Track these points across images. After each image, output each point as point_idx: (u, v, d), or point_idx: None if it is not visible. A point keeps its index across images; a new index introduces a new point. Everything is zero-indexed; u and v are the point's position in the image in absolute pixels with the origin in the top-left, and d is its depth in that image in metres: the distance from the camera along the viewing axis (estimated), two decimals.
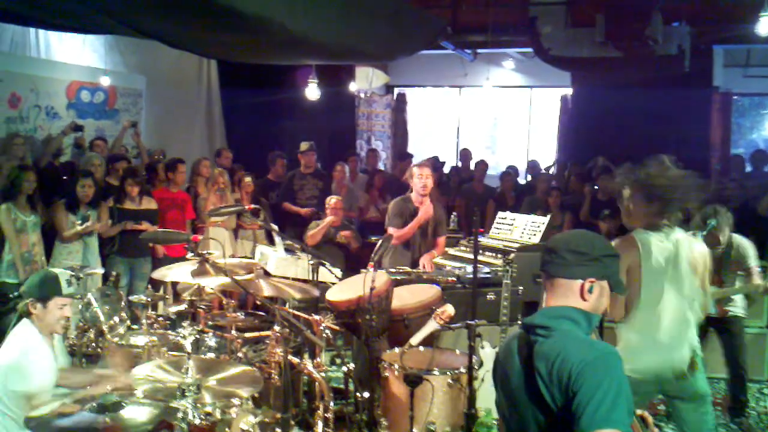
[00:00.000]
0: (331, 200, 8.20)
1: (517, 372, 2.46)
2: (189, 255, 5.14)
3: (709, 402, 4.31)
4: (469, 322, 4.34)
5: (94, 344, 4.89)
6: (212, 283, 4.63)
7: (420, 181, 6.82)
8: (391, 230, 6.77)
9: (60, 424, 3.19)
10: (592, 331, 2.50)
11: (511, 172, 11.36)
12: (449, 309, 4.72)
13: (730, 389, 6.39)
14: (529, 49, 12.16)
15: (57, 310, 4.16)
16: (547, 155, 14.07)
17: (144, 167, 8.81)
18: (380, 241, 5.19)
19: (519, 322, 5.94)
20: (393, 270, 6.37)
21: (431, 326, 4.69)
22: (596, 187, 9.35)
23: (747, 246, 5.97)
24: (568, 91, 13.86)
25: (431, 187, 6.92)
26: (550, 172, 12.44)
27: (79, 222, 7.24)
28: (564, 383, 2.26)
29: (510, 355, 2.52)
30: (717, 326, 6.15)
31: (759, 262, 6.03)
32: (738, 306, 6.13)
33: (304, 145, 9.57)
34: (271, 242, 8.20)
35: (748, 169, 10.88)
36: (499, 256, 6.79)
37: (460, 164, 12.63)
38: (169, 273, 5.52)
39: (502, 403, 2.58)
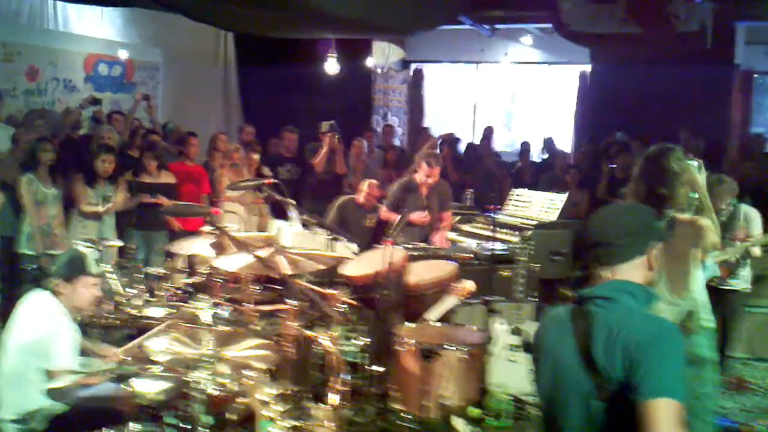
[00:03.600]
0: (365, 184, 7.88)
1: (569, 342, 2.46)
2: (207, 228, 5.18)
3: (709, 369, 4.31)
4: (487, 298, 4.34)
5: (110, 316, 4.91)
6: (231, 262, 4.61)
7: (427, 179, 6.88)
8: (383, 212, 6.78)
9: (82, 395, 3.22)
10: (649, 307, 2.49)
11: (525, 149, 11.31)
12: (469, 284, 4.72)
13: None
14: (548, 25, 12.02)
15: (85, 289, 4.19)
16: (564, 132, 13.97)
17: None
18: (397, 218, 5.19)
19: (535, 299, 6.01)
20: (409, 246, 6.37)
21: (450, 301, 4.70)
22: (613, 165, 9.29)
23: (754, 215, 6.25)
24: (587, 68, 13.73)
25: (434, 183, 6.94)
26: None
27: (101, 201, 7.28)
28: (628, 354, 2.28)
29: (560, 326, 2.53)
30: (717, 296, 6.24)
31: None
32: (741, 280, 6.32)
33: (325, 125, 9.49)
34: (277, 217, 8.19)
35: None
36: (516, 233, 6.79)
37: (480, 141, 12.54)
38: (186, 246, 5.54)
39: (544, 375, 2.58)
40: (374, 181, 7.95)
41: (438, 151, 9.85)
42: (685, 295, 4.26)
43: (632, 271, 2.48)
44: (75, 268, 4.18)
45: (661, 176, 4.19)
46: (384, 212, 6.74)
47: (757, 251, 6.19)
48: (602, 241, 2.49)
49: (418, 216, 6.71)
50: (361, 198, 7.74)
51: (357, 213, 7.76)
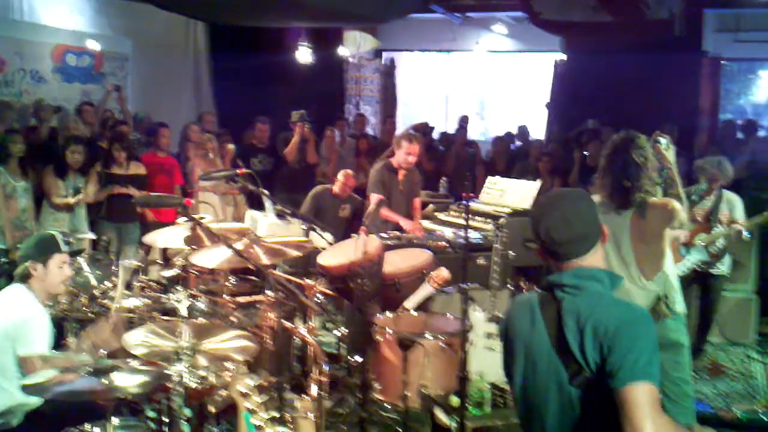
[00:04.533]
0: (341, 174, 7.80)
1: (540, 329, 2.48)
2: (181, 220, 5.14)
3: (683, 353, 4.37)
4: (463, 285, 4.34)
5: (85, 309, 4.85)
6: (207, 255, 4.57)
7: (408, 157, 6.80)
8: (373, 197, 6.73)
9: (60, 390, 3.18)
10: (615, 291, 2.50)
11: (505, 138, 11.35)
12: (444, 272, 4.73)
13: (696, 336, 6.59)
14: (520, 13, 12.06)
15: (57, 269, 4.12)
16: (537, 121, 14.03)
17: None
18: (371, 207, 5.18)
19: (509, 287, 6.04)
20: (384, 235, 6.36)
21: (426, 290, 4.70)
22: (585, 153, 9.34)
23: (735, 200, 6.42)
24: (561, 56, 13.79)
25: (413, 163, 6.89)
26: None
27: (71, 193, 7.20)
28: (599, 339, 2.30)
29: (530, 313, 2.54)
30: (701, 281, 6.51)
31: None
32: (724, 264, 6.53)
33: (295, 115, 9.45)
34: (252, 207, 8.15)
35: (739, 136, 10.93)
36: (490, 221, 6.80)
37: (456, 130, 12.55)
38: (159, 238, 5.49)
39: (517, 363, 2.58)
40: (350, 171, 7.93)
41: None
42: (656, 277, 4.30)
43: (594, 256, 2.51)
44: (47, 247, 4.11)
45: (625, 170, 4.24)
46: (373, 199, 6.70)
47: (746, 235, 6.33)
48: (564, 240, 2.48)
49: (409, 226, 6.69)
50: (336, 188, 7.71)
51: (332, 202, 7.72)
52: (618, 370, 2.25)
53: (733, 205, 6.41)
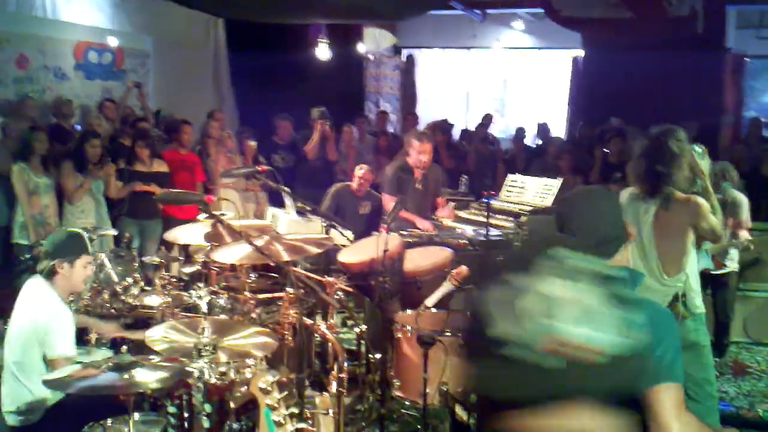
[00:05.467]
0: (359, 170, 7.84)
1: None
2: (202, 216, 5.16)
3: (704, 353, 4.35)
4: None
5: (107, 305, 4.89)
6: (228, 252, 4.57)
7: (420, 156, 6.61)
8: (386, 198, 6.68)
9: (80, 385, 3.20)
10: (636, 288, 2.47)
11: (519, 135, 11.31)
12: (464, 269, 4.71)
13: (715, 334, 6.45)
14: (540, 10, 12.00)
15: (82, 269, 4.15)
16: (558, 118, 13.97)
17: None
18: (393, 205, 5.18)
19: None
20: (404, 232, 6.35)
21: (446, 287, 4.68)
22: (606, 151, 9.28)
23: (742, 199, 6.24)
24: (580, 53, 13.72)
25: (428, 162, 6.71)
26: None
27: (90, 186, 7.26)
28: None
29: None
30: (713, 281, 6.39)
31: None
32: (734, 261, 6.44)
33: (315, 112, 9.45)
34: (274, 204, 8.17)
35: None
36: (511, 218, 6.78)
37: (479, 128, 12.51)
38: (181, 235, 5.52)
39: None
40: (367, 167, 7.92)
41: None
42: (677, 274, 4.28)
43: (620, 256, 2.51)
44: (76, 247, 4.13)
45: (660, 155, 4.25)
46: (386, 200, 6.65)
47: (750, 245, 6.21)
48: (594, 242, 2.45)
49: (424, 225, 6.64)
50: (354, 184, 7.71)
51: (352, 200, 7.73)
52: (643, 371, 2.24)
53: (740, 205, 6.24)
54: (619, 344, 2.19)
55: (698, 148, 4.44)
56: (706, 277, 6.17)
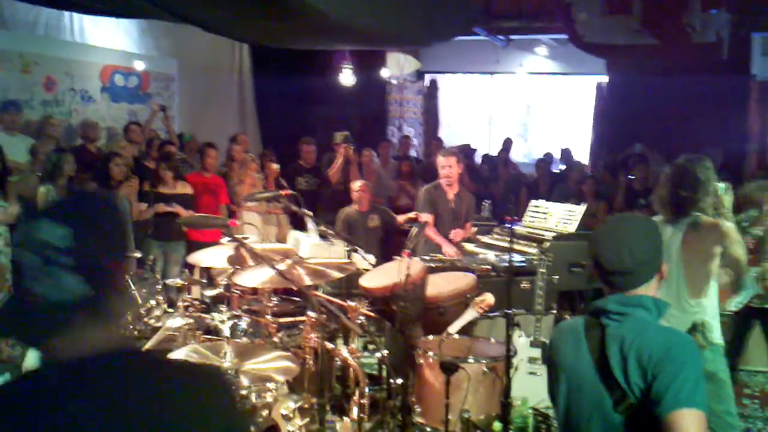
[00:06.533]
0: (356, 184, 8.00)
1: (584, 355, 2.45)
2: (225, 239, 5.16)
3: (724, 385, 4.31)
4: (507, 311, 4.30)
5: (131, 327, 4.89)
6: (250, 276, 4.57)
7: (443, 171, 6.87)
8: (423, 216, 6.77)
9: None
10: (661, 318, 2.46)
11: (546, 160, 11.29)
12: (489, 298, 4.69)
13: None
14: (563, 36, 12.02)
15: None
16: (580, 144, 13.94)
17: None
18: (415, 229, 5.16)
19: (554, 312, 5.96)
20: (427, 258, 6.34)
21: (470, 314, 4.66)
22: (631, 177, 9.23)
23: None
24: (604, 79, 13.70)
25: (456, 176, 6.92)
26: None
27: None
28: (644, 366, 2.27)
29: (574, 338, 2.51)
30: (760, 316, 6.06)
31: None
32: None
33: (338, 136, 9.51)
34: (295, 227, 8.19)
35: None
36: (534, 244, 6.74)
37: (500, 152, 12.53)
38: (203, 257, 5.52)
39: (561, 389, 2.55)
40: (362, 181, 8.10)
41: None
42: (699, 300, 4.24)
43: (649, 287, 2.47)
44: None
45: (685, 180, 4.25)
46: (424, 217, 6.78)
47: None
48: (620, 269, 2.43)
49: (449, 251, 6.71)
50: (356, 202, 7.86)
51: (359, 217, 7.90)
52: (663, 397, 2.21)
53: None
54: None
55: (722, 185, 4.43)
56: (753, 314, 6.01)
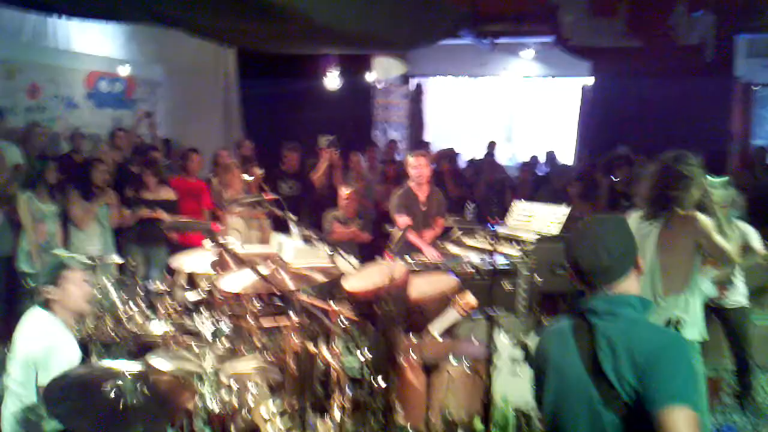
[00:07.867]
0: (345, 192, 8.00)
1: (573, 355, 2.47)
2: (207, 244, 5.16)
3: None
4: (490, 311, 4.31)
5: (111, 332, 4.87)
6: (233, 279, 4.57)
7: (415, 171, 6.99)
8: (401, 219, 6.82)
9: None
10: (647, 316, 2.50)
11: (531, 162, 11.31)
12: (471, 299, 4.70)
13: (738, 378, 6.31)
14: (549, 39, 12.06)
15: (74, 287, 4.12)
16: (566, 145, 13.97)
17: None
18: (398, 233, 5.17)
19: (535, 312, 5.98)
20: (410, 260, 6.35)
21: (452, 315, 4.66)
22: (614, 178, 9.26)
23: (751, 231, 5.93)
24: (589, 81, 13.75)
25: (426, 176, 7.04)
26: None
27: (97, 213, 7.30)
28: (635, 363, 2.29)
29: (562, 339, 2.54)
30: (721, 316, 6.10)
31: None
32: (741, 294, 6.11)
33: (323, 140, 9.51)
34: (278, 230, 8.18)
35: None
36: (518, 246, 6.76)
37: (485, 155, 12.56)
38: (186, 262, 5.51)
39: (548, 390, 2.57)
40: (351, 188, 8.12)
41: (436, 166, 9.90)
42: (676, 295, 4.26)
43: (627, 283, 2.50)
44: (57, 269, 4.13)
45: (670, 178, 4.28)
46: (397, 220, 6.83)
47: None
48: (597, 267, 2.48)
49: (430, 254, 6.76)
50: (342, 207, 7.89)
51: (345, 222, 7.89)
52: (655, 394, 2.24)
53: (749, 235, 5.87)
54: None
55: (717, 179, 4.46)
56: (715, 312, 6.02)
